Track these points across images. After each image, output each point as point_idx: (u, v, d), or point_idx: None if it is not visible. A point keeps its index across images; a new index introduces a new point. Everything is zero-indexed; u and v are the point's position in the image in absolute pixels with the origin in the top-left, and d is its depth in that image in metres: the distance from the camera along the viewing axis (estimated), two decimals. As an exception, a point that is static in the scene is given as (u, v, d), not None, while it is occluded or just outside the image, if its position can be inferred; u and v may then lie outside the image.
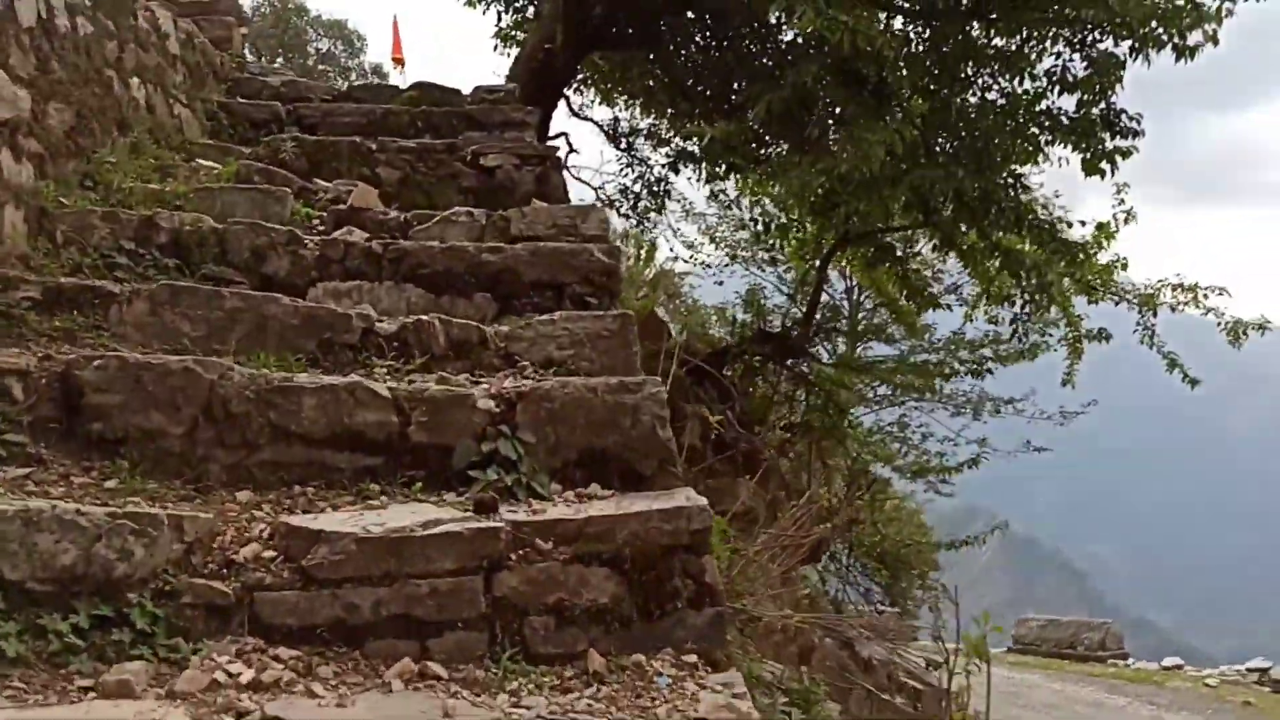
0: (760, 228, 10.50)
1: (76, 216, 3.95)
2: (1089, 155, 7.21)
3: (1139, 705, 15.61)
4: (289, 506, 2.78)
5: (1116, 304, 9.18)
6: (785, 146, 8.33)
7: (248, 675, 2.23)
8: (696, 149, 9.01)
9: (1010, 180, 8.00)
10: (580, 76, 9.74)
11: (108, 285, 3.49)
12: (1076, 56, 7.18)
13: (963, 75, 7.67)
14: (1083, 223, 8.61)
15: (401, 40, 11.34)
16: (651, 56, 8.96)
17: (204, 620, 2.37)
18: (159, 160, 4.99)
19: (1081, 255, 8.40)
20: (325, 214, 4.62)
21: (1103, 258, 8.94)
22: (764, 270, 12.85)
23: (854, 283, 12.77)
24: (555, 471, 2.98)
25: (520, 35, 9.63)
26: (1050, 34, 7.22)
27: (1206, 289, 8.89)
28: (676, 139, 9.82)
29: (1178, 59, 6.65)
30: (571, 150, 9.67)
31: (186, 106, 5.87)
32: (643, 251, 12.09)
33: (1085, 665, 19.22)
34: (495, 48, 9.80)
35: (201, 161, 5.27)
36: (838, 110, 7.48)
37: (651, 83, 9.39)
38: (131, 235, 3.94)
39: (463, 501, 2.77)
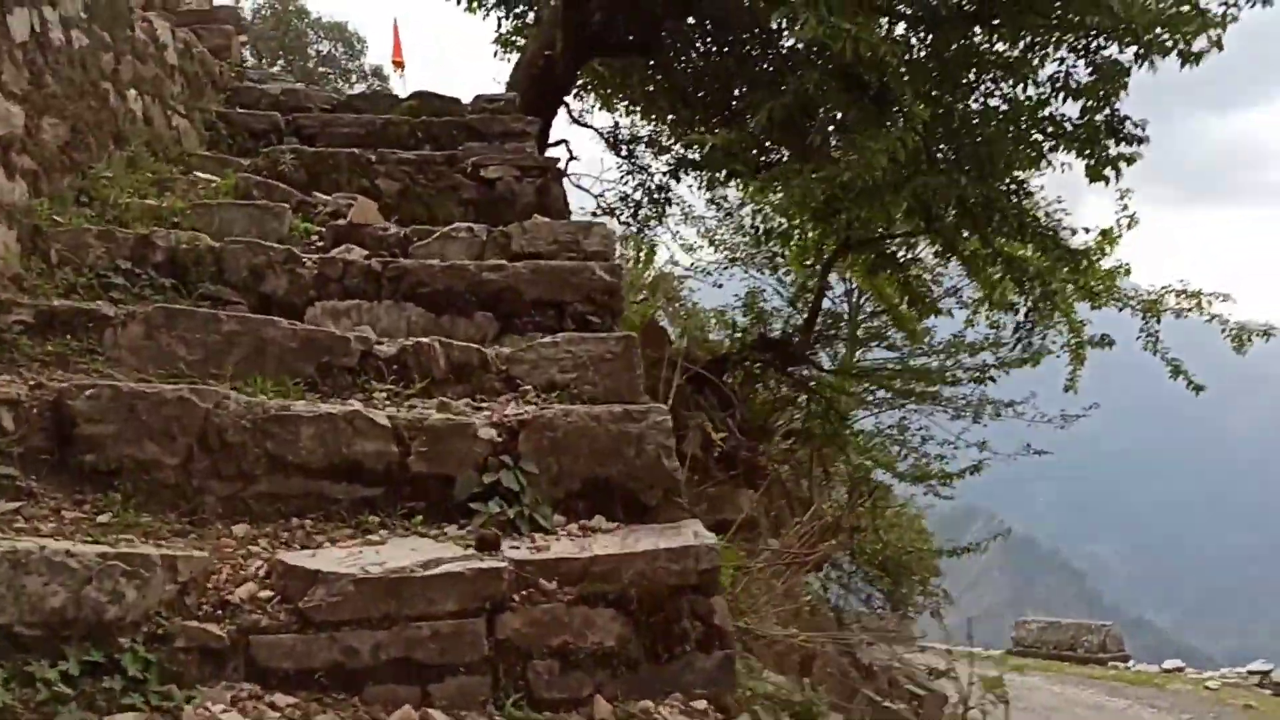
0: (761, 234, 10.44)
1: (71, 235, 3.88)
2: (1093, 162, 7.17)
3: (1140, 708, 15.59)
4: (286, 540, 2.71)
5: (1120, 310, 9.14)
6: (787, 153, 8.28)
7: (243, 724, 2.17)
8: (697, 156, 8.96)
9: (1013, 187, 7.95)
10: (580, 82, 9.68)
11: (102, 308, 3.42)
12: (1080, 63, 7.13)
13: (965, 81, 7.61)
14: (1086, 230, 8.58)
15: (402, 43, 11.30)
16: (652, 63, 8.91)
17: (198, 665, 2.30)
18: (156, 173, 4.93)
19: (1085, 262, 8.35)
20: (324, 229, 4.56)
21: (1105, 263, 8.92)
22: (763, 273, 12.80)
23: (853, 286, 12.72)
24: (558, 502, 2.92)
25: (520, 41, 9.57)
26: (1053, 40, 7.17)
27: (1210, 295, 8.85)
28: (677, 146, 9.76)
29: (1183, 65, 6.60)
30: (572, 158, 9.62)
31: (185, 117, 5.81)
32: (641, 254, 12.04)
33: (1086, 668, 19.22)
34: (495, 53, 9.76)
35: (199, 174, 5.21)
36: (839, 117, 7.43)
37: (652, 89, 9.34)
38: (127, 254, 3.88)
39: (464, 536, 2.71)
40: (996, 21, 7.15)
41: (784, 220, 9.89)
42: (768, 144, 8.35)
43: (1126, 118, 7.08)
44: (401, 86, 12.19)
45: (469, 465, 2.91)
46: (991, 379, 11.20)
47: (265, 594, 2.43)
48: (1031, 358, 10.54)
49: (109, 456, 2.78)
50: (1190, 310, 8.82)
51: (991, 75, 7.57)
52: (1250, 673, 18.12)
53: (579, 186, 10.47)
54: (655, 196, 10.42)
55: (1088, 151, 7.14)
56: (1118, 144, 7.10)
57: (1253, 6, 6.65)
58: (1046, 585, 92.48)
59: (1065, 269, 8.13)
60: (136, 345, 3.28)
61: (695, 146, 8.87)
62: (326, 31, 18.74)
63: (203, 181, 5.06)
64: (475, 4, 9.05)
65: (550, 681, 2.42)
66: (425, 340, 3.47)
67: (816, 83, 6.61)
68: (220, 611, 2.39)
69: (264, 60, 16.58)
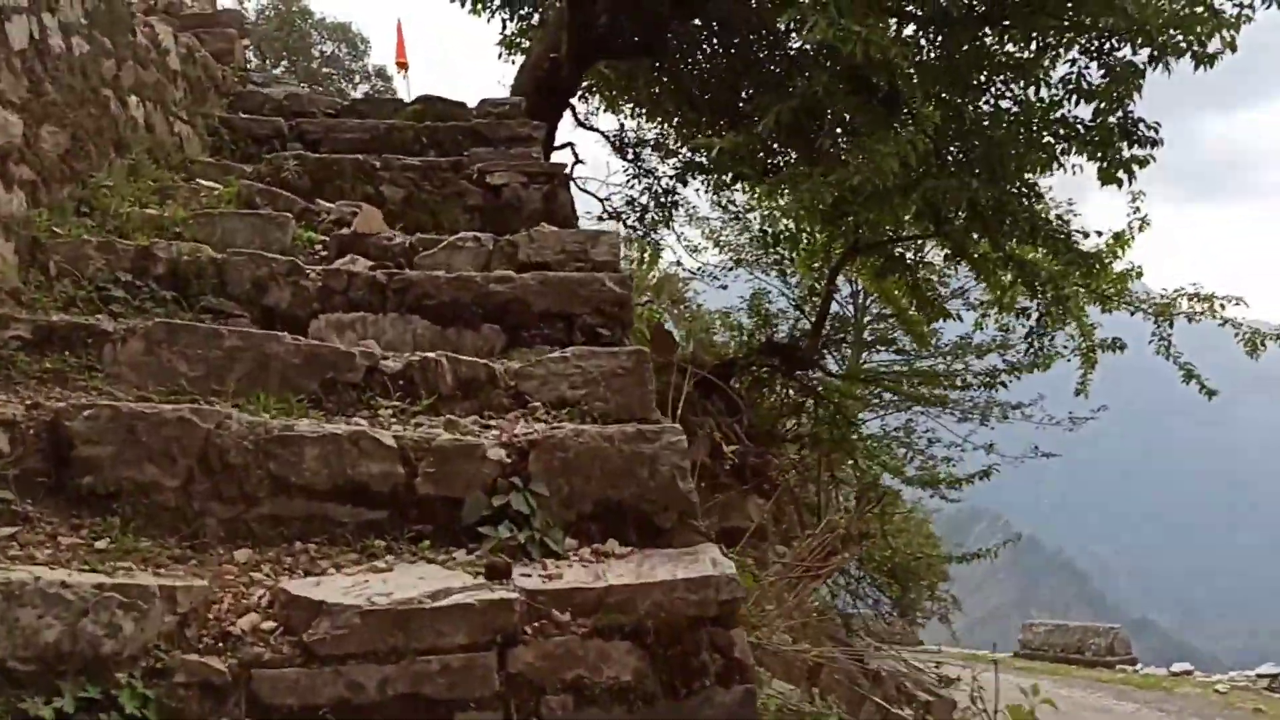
0: (769, 238, 10.36)
1: (71, 247, 3.80)
2: (1106, 164, 7.08)
3: (1148, 712, 15.48)
4: (289, 566, 2.62)
5: (1132, 314, 9.06)
6: (795, 157, 8.20)
7: (245, 765, 2.09)
8: (705, 160, 8.87)
9: (1024, 189, 7.86)
10: (585, 85, 9.60)
11: (102, 322, 3.33)
12: (1093, 64, 7.03)
13: (976, 83, 7.53)
14: (1099, 233, 8.48)
15: (405, 44, 11.22)
16: (658, 65, 8.82)
17: (198, 701, 2.21)
18: (158, 181, 4.85)
19: (1097, 266, 8.26)
20: (328, 238, 4.47)
21: (1116, 266, 8.83)
22: (769, 274, 12.72)
23: (859, 287, 12.63)
24: (570, 525, 2.83)
25: (525, 43, 9.49)
26: (1066, 41, 7.08)
27: (1223, 299, 8.77)
28: (684, 149, 9.68)
29: (1196, 66, 6.52)
30: (578, 161, 9.55)
31: (187, 123, 5.73)
32: (646, 255, 11.97)
33: (1093, 671, 19.11)
34: (500, 55, 9.67)
35: (202, 181, 5.13)
36: (848, 119, 7.34)
37: (658, 91, 9.25)
38: (128, 266, 3.79)
39: (473, 561, 2.62)
40: (1008, 23, 7.07)
41: (792, 224, 9.82)
42: (775, 147, 8.27)
43: (1140, 120, 6.99)
44: (405, 88, 12.14)
45: (477, 487, 2.82)
46: (1002, 384, 11.12)
47: (268, 625, 2.35)
48: (1042, 362, 10.46)
49: (107, 479, 2.70)
50: (1203, 314, 8.74)
51: (1003, 77, 7.49)
52: (1259, 676, 17.99)
53: (585, 190, 10.41)
54: (662, 200, 10.34)
55: (1100, 154, 7.05)
56: (1131, 146, 7.02)
57: (1268, 7, 6.57)
58: (1050, 586, 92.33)
59: (1078, 273, 8.04)
60: (136, 361, 3.20)
61: (702, 150, 8.79)
62: (330, 32, 18.71)
63: (205, 189, 4.97)
64: (480, 6, 8.96)
65: (564, 718, 2.33)
66: (432, 355, 3.38)
67: (825, 85, 6.52)
68: (221, 644, 2.30)
69: (268, 61, 16.55)
